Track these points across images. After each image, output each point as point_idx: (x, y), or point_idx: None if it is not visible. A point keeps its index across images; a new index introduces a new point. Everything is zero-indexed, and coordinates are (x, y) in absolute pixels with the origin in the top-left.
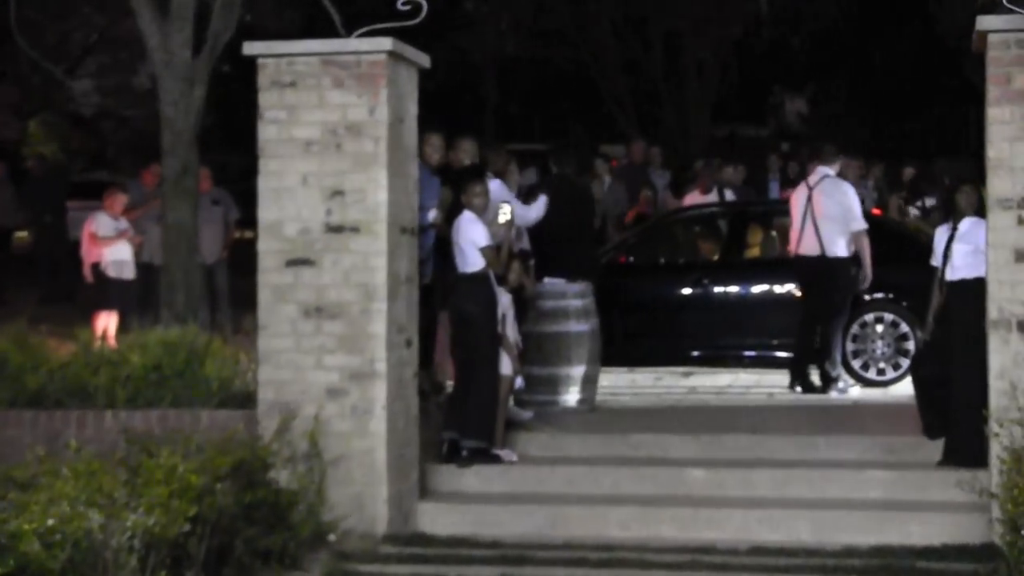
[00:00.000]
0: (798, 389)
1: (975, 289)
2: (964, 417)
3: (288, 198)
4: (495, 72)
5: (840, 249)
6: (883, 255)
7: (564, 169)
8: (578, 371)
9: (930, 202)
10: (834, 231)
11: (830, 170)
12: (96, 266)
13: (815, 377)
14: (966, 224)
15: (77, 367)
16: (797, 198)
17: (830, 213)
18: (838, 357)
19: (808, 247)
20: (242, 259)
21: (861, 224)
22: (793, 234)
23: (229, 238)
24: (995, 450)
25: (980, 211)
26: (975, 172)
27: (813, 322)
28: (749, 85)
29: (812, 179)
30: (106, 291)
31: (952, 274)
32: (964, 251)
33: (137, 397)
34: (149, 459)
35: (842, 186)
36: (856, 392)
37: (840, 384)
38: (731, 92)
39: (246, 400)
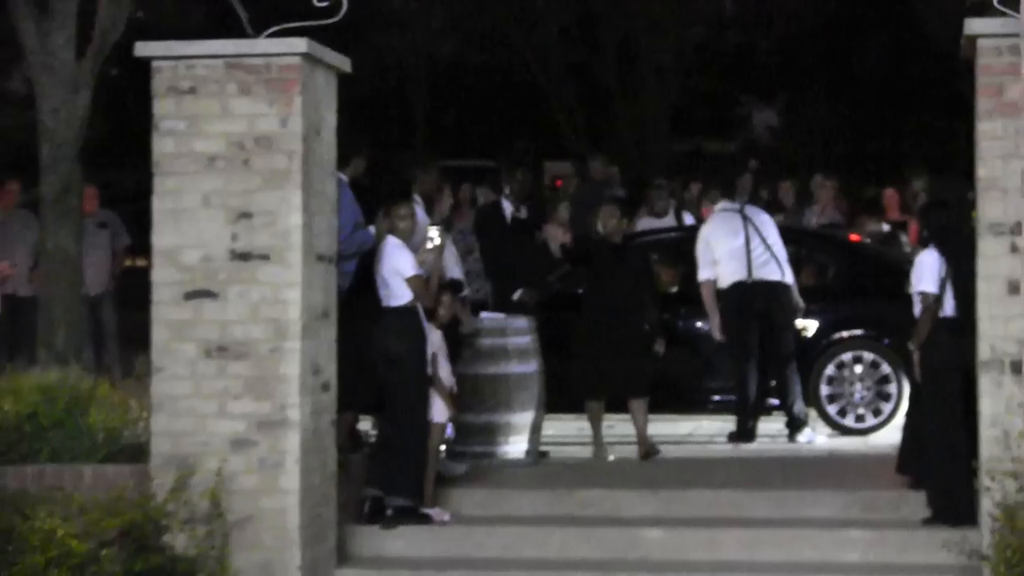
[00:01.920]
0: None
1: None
2: (951, 469)
3: (187, 221)
4: (426, 78)
5: (789, 275)
6: (861, 287)
7: (498, 193)
8: (520, 418)
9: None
10: (782, 255)
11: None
12: None
13: (755, 424)
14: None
15: None
16: (728, 220)
17: (775, 238)
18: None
19: (768, 270)
20: (133, 291)
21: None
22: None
23: (118, 267)
24: (986, 506)
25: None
26: (963, 191)
27: (783, 359)
28: (713, 94)
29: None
30: None
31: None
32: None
33: (9, 451)
34: (24, 522)
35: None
36: (823, 441)
37: (808, 431)
38: (693, 102)
39: (137, 453)
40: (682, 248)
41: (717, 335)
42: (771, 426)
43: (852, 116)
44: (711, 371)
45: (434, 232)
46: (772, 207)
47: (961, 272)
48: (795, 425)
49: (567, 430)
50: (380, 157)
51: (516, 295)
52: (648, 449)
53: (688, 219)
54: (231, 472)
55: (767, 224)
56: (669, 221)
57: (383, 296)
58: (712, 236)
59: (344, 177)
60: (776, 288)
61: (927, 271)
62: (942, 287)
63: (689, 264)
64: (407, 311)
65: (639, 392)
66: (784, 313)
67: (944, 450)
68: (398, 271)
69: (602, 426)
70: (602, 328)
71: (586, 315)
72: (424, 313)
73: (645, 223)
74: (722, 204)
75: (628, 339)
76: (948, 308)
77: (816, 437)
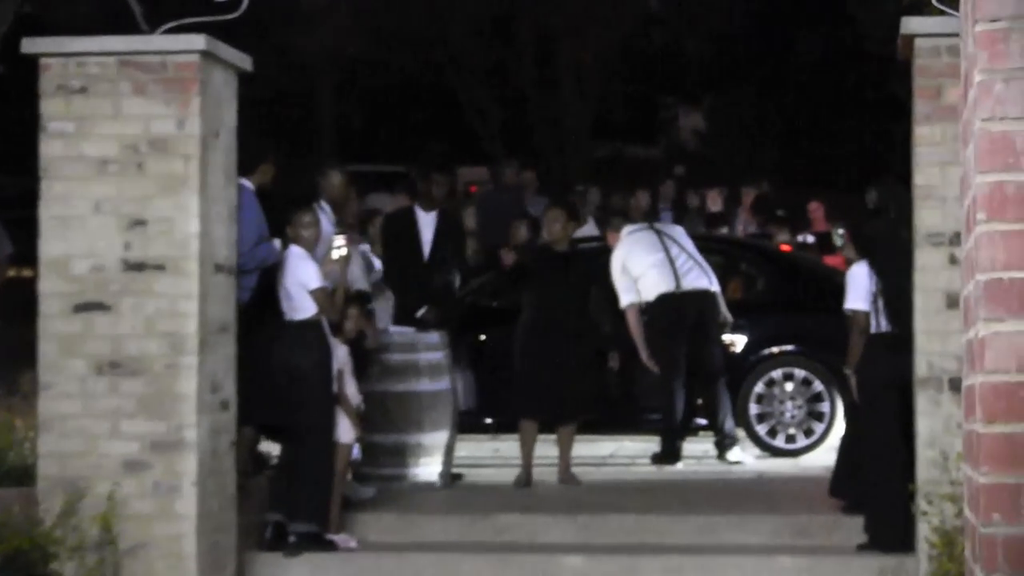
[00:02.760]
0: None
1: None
2: (887, 492)
3: (77, 229)
4: (333, 78)
5: (716, 284)
6: (792, 300)
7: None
8: (431, 439)
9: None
10: (706, 264)
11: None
12: None
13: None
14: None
15: None
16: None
17: (693, 249)
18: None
19: (695, 279)
20: (17, 303)
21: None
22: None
23: (0, 277)
24: (923, 531)
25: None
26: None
27: (712, 375)
28: (637, 96)
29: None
30: None
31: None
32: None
33: None
34: None
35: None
36: (752, 461)
37: (737, 450)
38: (615, 104)
39: (23, 476)
40: (602, 260)
41: (647, 362)
42: (698, 447)
43: (783, 119)
44: (635, 388)
45: (340, 241)
46: (700, 215)
47: (892, 285)
48: (725, 444)
49: (482, 451)
50: (288, 163)
51: (420, 312)
52: (569, 476)
53: None
54: (123, 496)
55: (681, 235)
56: (589, 230)
57: (285, 309)
58: (628, 258)
59: (250, 185)
60: (706, 297)
61: (857, 287)
62: (874, 302)
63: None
64: (311, 325)
65: (573, 418)
66: (715, 325)
67: (880, 472)
68: (301, 283)
69: (534, 448)
70: (546, 345)
71: (527, 330)
72: (329, 327)
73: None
74: (628, 227)
75: (573, 359)
76: (883, 323)
77: (747, 457)
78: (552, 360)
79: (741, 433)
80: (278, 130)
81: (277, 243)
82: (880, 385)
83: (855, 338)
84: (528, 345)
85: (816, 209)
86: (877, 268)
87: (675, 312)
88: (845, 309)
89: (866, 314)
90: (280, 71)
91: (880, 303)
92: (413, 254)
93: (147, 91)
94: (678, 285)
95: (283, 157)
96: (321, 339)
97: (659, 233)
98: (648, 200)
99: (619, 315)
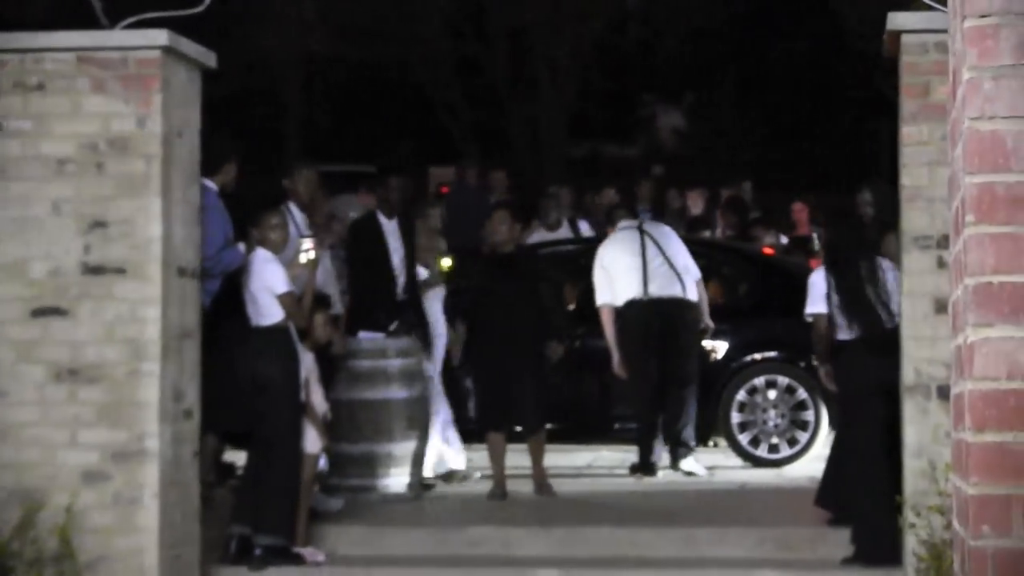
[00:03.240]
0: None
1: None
2: (873, 503)
3: (34, 231)
4: (299, 75)
5: (692, 292)
6: (775, 304)
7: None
8: (401, 448)
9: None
10: (688, 271)
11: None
12: None
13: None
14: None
15: None
16: (624, 238)
17: (679, 253)
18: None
19: (665, 286)
20: None
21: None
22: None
23: None
24: (910, 544)
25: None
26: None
27: (683, 383)
28: (614, 94)
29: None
30: None
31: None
32: None
33: None
34: None
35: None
36: (702, 471)
37: (692, 459)
38: (592, 102)
39: None
40: (579, 262)
41: (617, 369)
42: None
43: (764, 118)
44: (612, 396)
45: (308, 244)
46: (681, 218)
47: (850, 289)
48: (679, 453)
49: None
50: (253, 164)
51: (392, 327)
52: (544, 487)
53: (584, 228)
54: (83, 508)
55: (669, 238)
56: (564, 233)
57: (251, 314)
58: (606, 256)
59: (214, 186)
60: (676, 305)
61: (813, 291)
62: (836, 307)
63: (586, 280)
64: (278, 331)
65: (535, 427)
66: (688, 333)
67: (866, 483)
68: (268, 287)
69: (504, 460)
70: (497, 354)
71: (476, 338)
72: (296, 333)
73: (537, 236)
74: (622, 223)
75: (526, 366)
76: (854, 329)
77: (700, 468)
78: (504, 369)
79: (723, 443)
80: (243, 129)
81: (242, 247)
82: (862, 393)
83: (816, 338)
84: (480, 355)
85: (800, 210)
86: (836, 273)
87: (641, 319)
88: (805, 315)
89: (825, 316)
90: (245, 68)
91: (838, 308)
92: (380, 263)
93: (107, 88)
94: (645, 291)
95: (248, 157)
96: (288, 346)
97: (644, 234)
98: (614, 197)
99: (574, 314)
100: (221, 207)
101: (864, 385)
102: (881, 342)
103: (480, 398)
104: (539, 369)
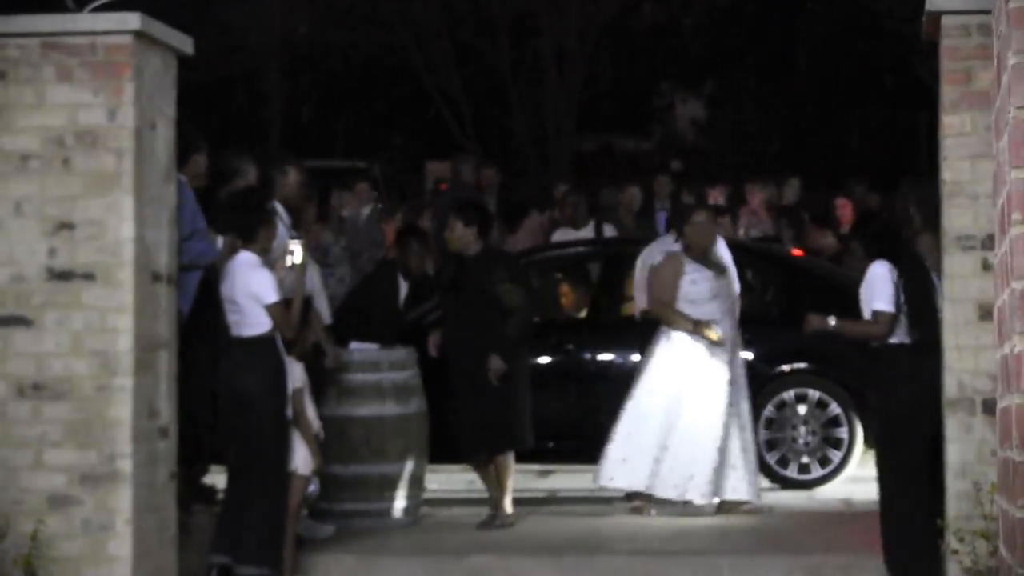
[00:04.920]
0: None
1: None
2: (912, 527)
3: None
4: (282, 61)
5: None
6: (805, 311)
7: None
8: (397, 469)
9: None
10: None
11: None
12: None
13: None
14: None
15: None
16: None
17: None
18: None
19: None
20: None
21: None
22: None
23: None
24: (953, 572)
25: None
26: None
27: None
28: (627, 83)
29: None
30: None
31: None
32: None
33: None
34: None
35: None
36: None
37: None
38: (603, 92)
39: None
40: (591, 266)
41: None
42: None
43: (791, 108)
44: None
45: (296, 247)
46: None
47: (916, 288)
48: None
49: (454, 483)
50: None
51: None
52: (501, 518)
53: (609, 230)
54: (49, 536)
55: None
56: (587, 233)
57: (233, 323)
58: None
59: (182, 178)
60: None
61: (879, 286)
62: (897, 306)
63: (599, 286)
64: (264, 342)
65: (499, 447)
66: None
67: (903, 505)
68: (255, 295)
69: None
70: (454, 369)
71: (445, 353)
72: (283, 344)
73: (561, 234)
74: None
75: (462, 383)
76: (902, 333)
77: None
78: (459, 387)
79: None
80: (221, 119)
81: (219, 241)
82: (905, 408)
83: (871, 334)
84: (451, 372)
85: (844, 206)
86: (899, 268)
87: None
88: (872, 312)
89: (892, 317)
90: (223, 54)
91: (904, 308)
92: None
93: (74, 77)
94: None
95: (223, 149)
96: (275, 358)
97: None
98: (640, 198)
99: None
100: (191, 196)
101: (906, 401)
102: (925, 349)
103: (457, 420)
104: (481, 387)
